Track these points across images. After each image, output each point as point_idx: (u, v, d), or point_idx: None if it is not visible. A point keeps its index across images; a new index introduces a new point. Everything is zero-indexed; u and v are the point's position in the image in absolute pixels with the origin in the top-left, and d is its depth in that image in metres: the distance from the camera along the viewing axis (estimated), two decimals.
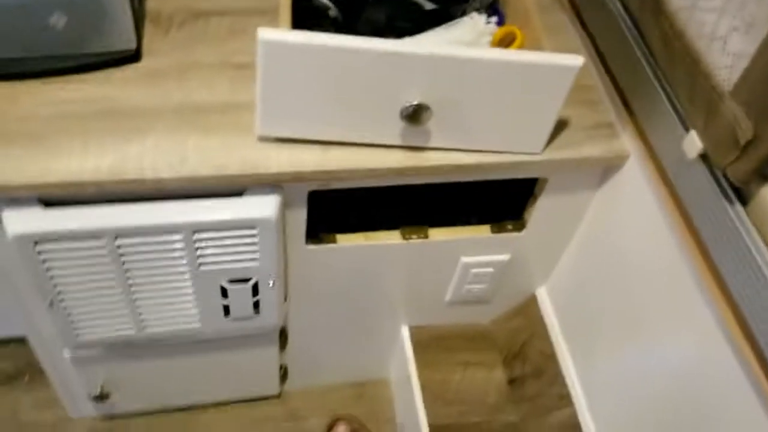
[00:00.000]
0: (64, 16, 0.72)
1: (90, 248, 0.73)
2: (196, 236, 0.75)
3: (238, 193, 0.75)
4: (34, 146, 0.69)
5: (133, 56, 0.78)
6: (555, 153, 0.75)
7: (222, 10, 0.84)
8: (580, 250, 0.92)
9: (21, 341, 1.17)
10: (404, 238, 0.88)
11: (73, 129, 0.71)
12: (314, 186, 0.76)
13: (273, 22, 0.83)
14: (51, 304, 0.79)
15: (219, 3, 0.85)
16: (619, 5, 0.76)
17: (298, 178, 0.72)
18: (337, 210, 0.88)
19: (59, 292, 0.78)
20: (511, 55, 0.64)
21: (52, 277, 0.76)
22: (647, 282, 0.77)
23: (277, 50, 0.62)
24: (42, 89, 0.74)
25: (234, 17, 0.84)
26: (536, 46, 0.70)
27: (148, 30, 0.81)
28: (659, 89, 0.68)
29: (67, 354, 0.94)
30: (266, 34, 0.61)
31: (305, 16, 0.72)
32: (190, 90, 0.76)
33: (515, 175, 0.79)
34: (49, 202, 0.71)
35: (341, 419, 1.07)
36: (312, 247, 0.85)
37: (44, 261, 0.73)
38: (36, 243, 0.71)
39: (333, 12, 0.73)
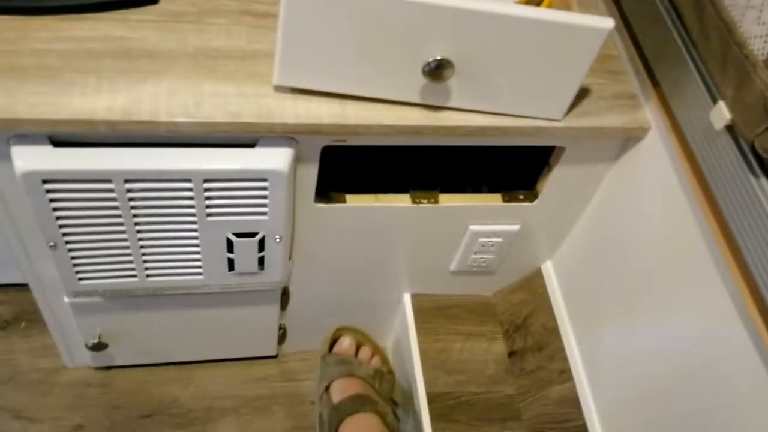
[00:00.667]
0: None
1: (99, 190, 0.72)
2: (207, 185, 0.73)
3: (251, 144, 0.73)
4: (47, 82, 0.67)
5: None
6: (575, 121, 0.74)
7: None
8: (590, 224, 0.91)
9: (20, 287, 1.17)
10: (414, 201, 0.87)
11: (87, 67, 0.69)
12: (329, 141, 0.75)
13: None
14: (54, 246, 0.78)
15: None
16: None
17: (313, 130, 0.70)
18: (348, 170, 0.87)
19: (64, 235, 0.77)
20: (541, 13, 0.62)
21: (57, 218, 0.74)
22: (660, 257, 0.76)
23: None
24: (57, 26, 0.72)
25: None
26: (564, 8, 0.69)
27: None
28: (688, 59, 0.67)
29: (66, 300, 0.93)
30: None
31: None
32: (207, 36, 0.74)
33: (534, 142, 0.78)
34: (59, 142, 0.70)
35: (344, 330, 1.03)
36: (321, 205, 0.84)
37: (51, 201, 0.72)
38: (44, 181, 0.70)
39: None
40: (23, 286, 1.14)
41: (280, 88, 0.71)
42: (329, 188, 0.86)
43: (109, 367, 1.14)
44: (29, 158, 0.68)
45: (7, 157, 0.69)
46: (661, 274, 0.76)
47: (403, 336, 1.06)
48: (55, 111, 0.65)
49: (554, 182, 0.86)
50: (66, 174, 0.69)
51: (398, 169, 0.89)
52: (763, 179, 0.58)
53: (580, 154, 0.82)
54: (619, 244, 0.85)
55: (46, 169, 0.69)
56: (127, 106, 0.67)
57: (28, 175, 0.68)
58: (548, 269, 1.02)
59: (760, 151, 0.56)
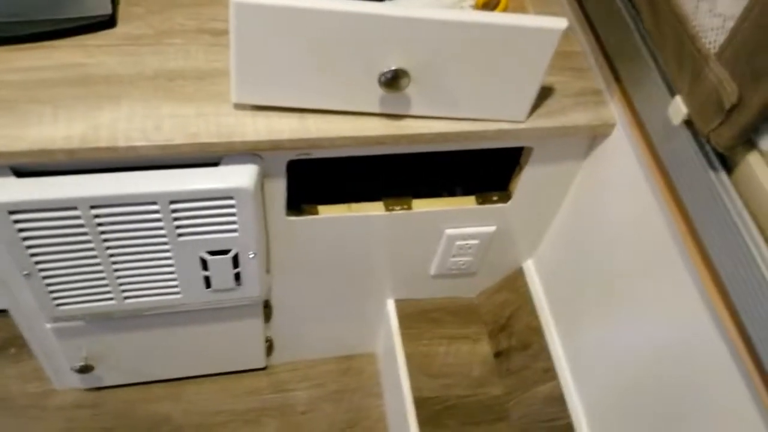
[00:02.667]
0: None
1: (66, 218, 0.72)
2: (173, 206, 0.73)
3: (214, 162, 0.73)
4: (4, 114, 0.67)
5: (107, 22, 0.76)
6: (539, 121, 0.74)
7: None
8: (566, 222, 0.91)
9: (5, 313, 1.17)
10: (387, 209, 0.87)
11: (43, 96, 0.69)
12: (293, 155, 0.74)
13: None
14: (28, 275, 0.78)
15: None
16: None
17: (275, 146, 0.70)
18: (318, 181, 0.86)
19: (36, 263, 0.77)
20: (491, 17, 0.62)
21: (28, 248, 0.74)
22: (632, 253, 0.76)
23: (250, 13, 0.60)
24: (12, 56, 0.72)
25: None
26: (521, 10, 0.68)
27: None
28: (647, 54, 0.67)
29: (48, 326, 0.93)
30: None
31: None
32: (165, 57, 0.74)
33: (498, 144, 0.78)
34: (22, 172, 0.69)
35: None
36: (293, 218, 0.84)
37: (20, 231, 0.72)
38: (10, 213, 0.69)
39: None
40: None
41: (239, 106, 0.70)
42: (302, 200, 0.85)
43: (98, 388, 1.14)
44: None
45: None
46: (633, 269, 0.76)
47: (388, 342, 1.06)
48: (13, 143, 0.65)
49: (526, 182, 0.86)
50: (31, 204, 0.69)
51: (370, 177, 0.88)
52: (722, 173, 0.57)
53: (548, 153, 0.81)
54: (594, 240, 0.84)
55: (11, 200, 0.68)
56: (85, 133, 0.66)
57: None
58: (529, 268, 1.02)
59: (716, 146, 0.56)
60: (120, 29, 0.76)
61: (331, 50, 0.63)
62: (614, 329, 0.82)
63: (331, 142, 0.70)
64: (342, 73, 0.65)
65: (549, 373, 0.94)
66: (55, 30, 0.74)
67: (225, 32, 0.77)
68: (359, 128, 0.70)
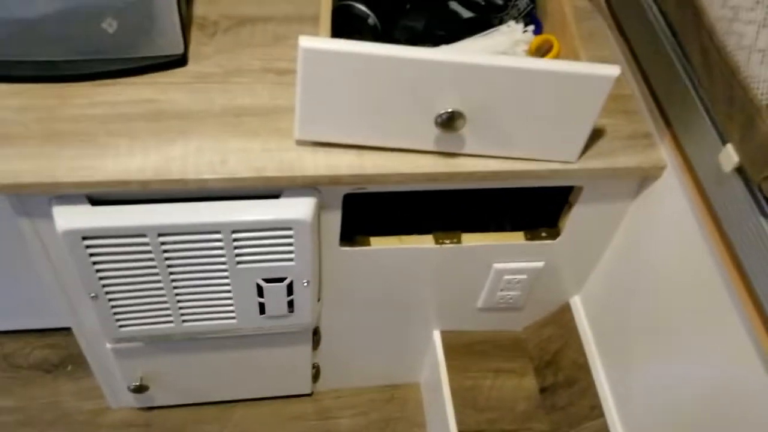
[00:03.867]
0: (116, 21, 0.75)
1: (134, 244, 0.76)
2: (235, 235, 0.77)
3: (275, 195, 0.77)
4: (84, 146, 0.72)
5: (179, 60, 0.81)
6: (590, 162, 0.75)
7: (266, 17, 0.87)
8: (615, 260, 0.92)
9: (66, 331, 1.22)
10: (437, 242, 0.89)
11: (120, 130, 0.74)
12: (349, 189, 0.78)
13: (314, 29, 0.85)
14: (95, 297, 0.83)
15: (263, 9, 0.88)
16: (658, 15, 0.76)
17: (333, 181, 0.73)
18: (371, 213, 0.89)
19: (103, 286, 0.81)
20: (546, 64, 0.64)
21: (97, 271, 0.79)
22: (681, 294, 0.76)
23: (316, 57, 0.63)
24: (92, 91, 0.77)
25: (277, 24, 0.86)
26: (573, 55, 0.71)
27: (195, 35, 0.84)
28: (697, 101, 0.68)
29: (108, 346, 0.98)
30: (306, 42, 0.63)
31: (345, 24, 0.74)
32: (232, 94, 0.78)
33: (549, 183, 0.80)
34: (97, 200, 0.74)
35: None
36: (346, 249, 0.87)
37: (91, 255, 0.76)
38: (84, 238, 0.74)
39: (372, 20, 0.75)
40: (69, 330, 1.19)
41: (301, 142, 0.74)
42: (355, 232, 0.88)
43: (151, 408, 1.17)
44: (69, 217, 0.73)
45: (50, 216, 0.74)
46: (681, 310, 0.76)
47: (434, 374, 1.08)
48: (92, 174, 0.70)
49: (575, 220, 0.87)
50: (103, 231, 0.74)
51: (421, 211, 0.91)
52: None
53: (598, 192, 0.83)
54: (643, 279, 0.85)
55: (85, 227, 0.73)
56: (157, 165, 0.71)
57: (69, 233, 0.73)
58: (576, 304, 1.03)
59: (767, 194, 0.57)
60: (191, 67, 0.81)
61: (391, 93, 0.66)
62: (662, 369, 0.82)
63: (387, 178, 0.73)
64: (400, 113, 0.68)
65: (596, 410, 0.94)
66: (131, 68, 0.79)
67: (289, 71, 0.81)
68: (414, 165, 0.73)
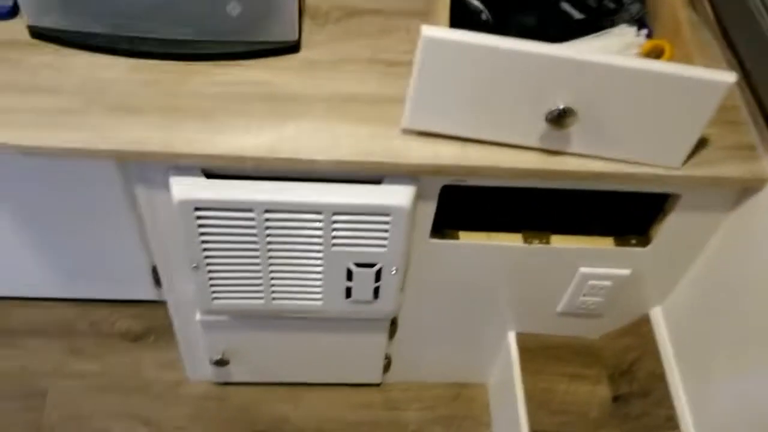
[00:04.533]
0: (239, 5, 0.79)
1: (242, 218, 0.80)
2: (335, 217, 0.80)
3: (377, 181, 0.79)
4: (202, 121, 0.76)
5: (293, 47, 0.84)
6: (692, 170, 0.76)
7: (375, 9, 0.90)
8: (704, 272, 0.91)
9: (150, 303, 1.27)
10: (526, 241, 0.90)
11: (237, 108, 0.77)
12: (449, 180, 0.80)
13: (423, 22, 0.88)
14: (196, 267, 0.87)
15: (372, 2, 0.91)
16: None
17: (436, 171, 0.76)
18: (462, 207, 0.91)
19: (206, 257, 0.85)
20: (662, 66, 0.65)
21: (202, 242, 0.83)
22: None
23: (437, 47, 0.66)
24: (212, 71, 0.81)
25: (386, 16, 0.89)
26: (686, 61, 0.71)
27: (307, 24, 0.87)
28: None
29: (198, 317, 1.02)
30: (429, 31, 0.65)
31: (458, 18, 0.76)
32: (342, 82, 0.81)
33: (650, 189, 0.80)
34: (210, 174, 0.78)
35: None
36: (435, 240, 0.89)
37: (200, 226, 0.80)
38: (196, 209, 0.78)
39: (485, 15, 0.77)
40: (153, 303, 1.25)
41: (407, 131, 0.76)
42: (444, 225, 0.90)
43: (227, 383, 1.22)
44: (185, 188, 0.77)
45: (166, 187, 0.78)
46: None
47: (506, 374, 1.08)
48: (210, 148, 0.74)
49: (668, 229, 0.87)
50: (216, 203, 0.78)
51: (511, 209, 0.92)
52: None
53: (696, 202, 0.83)
54: (735, 294, 0.84)
55: (200, 198, 0.77)
56: (272, 144, 0.74)
57: (184, 203, 0.77)
58: (657, 315, 1.02)
59: None
60: (303, 54, 0.84)
61: (507, 86, 0.68)
62: (748, 387, 0.81)
63: (490, 171, 0.75)
64: (512, 107, 0.70)
65: (671, 422, 0.93)
66: (249, 51, 0.83)
67: (396, 63, 0.84)
68: (517, 160, 0.75)
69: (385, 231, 0.82)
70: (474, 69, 0.67)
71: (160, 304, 1.09)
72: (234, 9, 0.80)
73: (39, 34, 0.82)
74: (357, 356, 1.13)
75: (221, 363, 1.10)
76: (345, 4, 0.90)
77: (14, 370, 1.23)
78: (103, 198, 1.05)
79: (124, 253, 1.16)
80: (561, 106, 0.67)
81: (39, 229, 1.13)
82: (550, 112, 0.68)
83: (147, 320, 1.29)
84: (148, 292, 1.24)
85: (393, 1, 0.91)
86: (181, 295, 0.99)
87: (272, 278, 0.89)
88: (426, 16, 0.88)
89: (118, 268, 1.21)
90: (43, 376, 1.23)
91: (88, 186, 1.02)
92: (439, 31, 0.65)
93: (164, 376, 1.23)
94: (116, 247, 1.15)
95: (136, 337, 1.28)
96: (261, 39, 0.83)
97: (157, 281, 1.22)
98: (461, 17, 0.77)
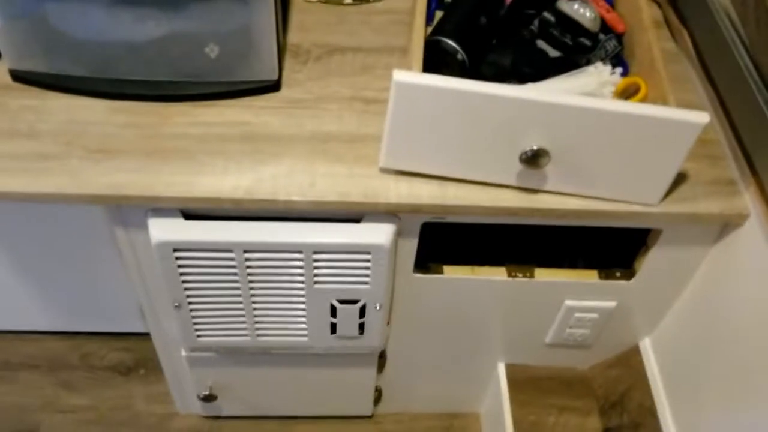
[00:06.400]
0: (218, 47, 0.80)
1: (221, 259, 0.80)
2: (316, 256, 0.80)
3: (356, 219, 0.79)
4: (181, 163, 0.76)
5: (273, 86, 0.85)
6: (671, 206, 0.75)
7: (355, 47, 0.90)
8: (690, 305, 0.91)
9: (141, 336, 1.27)
10: (510, 275, 0.90)
11: (216, 149, 0.78)
12: (428, 218, 0.79)
13: (401, 60, 0.89)
14: (179, 306, 0.87)
15: (353, 39, 0.91)
16: (748, 61, 0.75)
17: (414, 209, 0.76)
18: (445, 242, 0.91)
19: (187, 296, 0.85)
20: (634, 107, 0.65)
21: (183, 282, 0.83)
22: (760, 348, 0.75)
23: (409, 91, 0.66)
24: (192, 111, 0.82)
25: (366, 54, 0.89)
26: (661, 99, 0.71)
27: (288, 62, 0.88)
28: None
29: (183, 353, 1.02)
30: (400, 76, 0.65)
31: (433, 58, 0.77)
32: (321, 120, 0.82)
33: (628, 225, 0.80)
34: (189, 214, 0.78)
35: None
36: (419, 275, 0.89)
37: (179, 267, 0.80)
38: (175, 250, 0.78)
39: (460, 56, 0.77)
40: (145, 335, 1.24)
41: (385, 170, 0.76)
42: (428, 259, 0.90)
43: (217, 417, 1.21)
44: (164, 229, 0.77)
45: (144, 227, 0.78)
46: (761, 365, 0.75)
47: (496, 406, 1.08)
48: (188, 190, 0.74)
49: (652, 262, 0.87)
50: (194, 244, 0.78)
51: (495, 243, 0.92)
52: None
53: (677, 236, 0.82)
54: (720, 327, 0.84)
55: (178, 240, 0.77)
56: (250, 185, 0.75)
57: (162, 245, 0.77)
58: (646, 346, 1.01)
59: None
60: (284, 93, 0.85)
61: (479, 128, 0.68)
62: (736, 421, 0.80)
63: (468, 210, 0.75)
64: (486, 148, 0.70)
65: None
66: (229, 91, 0.84)
67: (375, 101, 0.84)
68: (495, 199, 0.75)
69: (367, 268, 0.82)
70: (446, 111, 0.67)
71: (149, 336, 1.09)
72: (212, 50, 0.80)
73: (20, 77, 0.83)
74: (347, 389, 1.13)
75: (209, 398, 1.09)
76: (326, 42, 0.91)
77: (6, 405, 1.23)
78: (90, 235, 1.06)
79: (114, 287, 1.16)
80: (534, 147, 0.67)
81: (28, 264, 1.14)
82: (524, 153, 0.68)
83: (137, 353, 1.29)
84: (137, 325, 1.24)
85: (373, 38, 0.92)
86: (166, 331, 0.99)
87: (256, 316, 0.89)
88: (402, 55, 0.88)
89: (107, 302, 1.21)
90: (35, 411, 1.23)
91: (75, 223, 1.03)
92: (410, 76, 0.65)
93: (155, 410, 1.23)
94: (105, 281, 1.16)
95: (127, 370, 1.28)
96: (241, 79, 0.83)
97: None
98: (436, 57, 0.77)
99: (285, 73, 0.87)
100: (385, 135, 0.72)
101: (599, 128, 0.66)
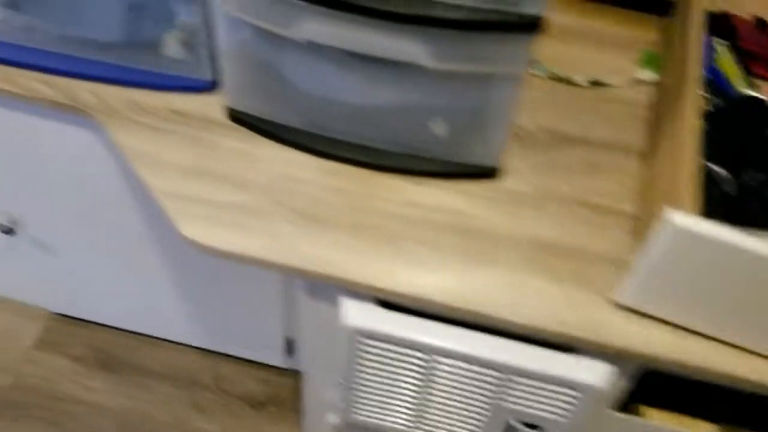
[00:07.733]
0: (445, 123, 0.72)
1: (407, 356, 0.72)
2: (514, 378, 0.71)
3: (564, 345, 0.69)
4: (387, 247, 0.69)
5: (491, 172, 0.76)
6: None
7: (583, 138, 0.80)
8: None
9: (280, 370, 1.23)
10: None
11: (424, 237, 0.70)
12: (655, 368, 0.68)
13: (632, 162, 0.77)
14: (344, 385, 0.80)
15: (582, 128, 0.82)
16: None
17: (646, 360, 0.64)
18: (651, 381, 0.79)
19: (356, 380, 0.78)
20: None
21: (358, 364, 0.76)
22: None
23: (686, 239, 0.55)
24: (403, 186, 0.75)
25: (595, 149, 0.79)
26: None
27: (510, 145, 0.79)
28: None
29: (331, 420, 0.95)
30: (678, 218, 0.55)
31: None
32: (541, 224, 0.72)
33: None
34: (383, 300, 0.71)
35: None
36: (619, 415, 0.77)
37: (360, 351, 0.74)
38: (362, 336, 0.71)
39: (729, 187, 0.65)
40: (283, 370, 1.20)
41: (619, 305, 0.66)
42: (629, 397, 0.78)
43: None
44: (355, 313, 0.71)
45: (333, 302, 0.72)
46: None
47: None
48: (389, 282, 0.67)
49: None
50: (384, 336, 0.71)
51: (711, 396, 0.79)
52: None
53: None
54: None
55: (368, 328, 0.70)
56: (455, 288, 0.66)
57: (351, 330, 0.71)
58: None
59: None
60: (502, 182, 0.76)
61: (756, 288, 0.56)
62: None
63: (709, 373, 0.63)
64: (756, 311, 0.58)
65: None
66: (444, 171, 0.76)
67: (605, 211, 0.74)
68: (752, 369, 0.62)
69: (568, 403, 0.72)
70: (729, 269, 0.55)
71: (286, 372, 1.04)
72: (438, 126, 0.73)
73: (236, 117, 0.79)
74: None
75: None
76: (553, 128, 0.82)
77: (137, 416, 1.22)
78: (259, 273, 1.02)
79: (262, 315, 1.12)
80: None
81: (186, 278, 1.12)
82: None
83: (271, 387, 1.25)
84: (277, 359, 1.20)
85: (604, 131, 0.82)
86: (322, 394, 0.93)
87: (425, 415, 0.81)
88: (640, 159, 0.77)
89: (252, 329, 1.18)
90: (164, 426, 1.21)
91: None
92: (692, 222, 0.54)
93: None
94: (255, 307, 1.12)
95: (259, 405, 1.25)
96: (460, 160, 0.76)
97: (289, 350, 1.17)
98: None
99: (506, 158, 0.78)
100: (638, 273, 0.61)
101: None
